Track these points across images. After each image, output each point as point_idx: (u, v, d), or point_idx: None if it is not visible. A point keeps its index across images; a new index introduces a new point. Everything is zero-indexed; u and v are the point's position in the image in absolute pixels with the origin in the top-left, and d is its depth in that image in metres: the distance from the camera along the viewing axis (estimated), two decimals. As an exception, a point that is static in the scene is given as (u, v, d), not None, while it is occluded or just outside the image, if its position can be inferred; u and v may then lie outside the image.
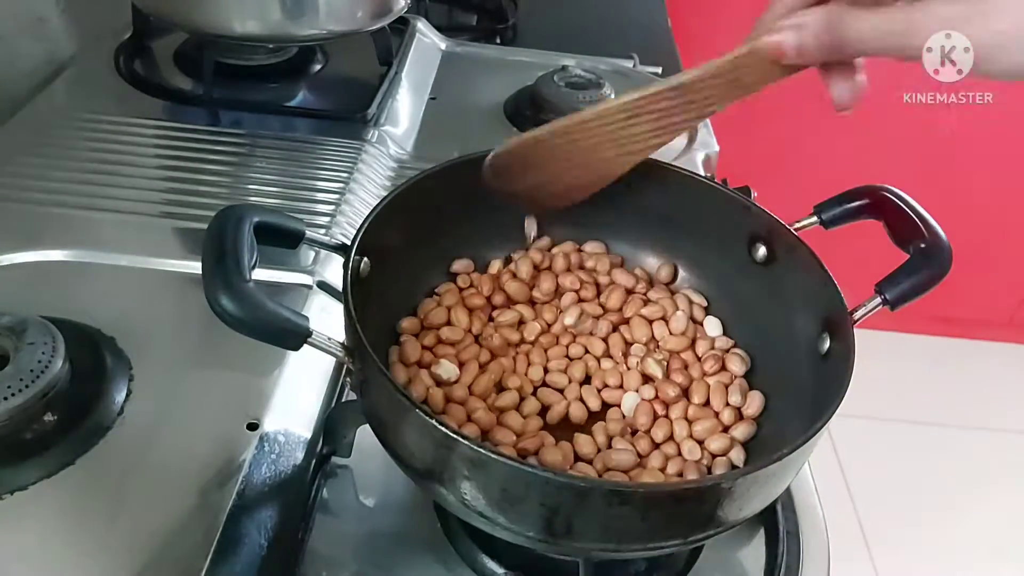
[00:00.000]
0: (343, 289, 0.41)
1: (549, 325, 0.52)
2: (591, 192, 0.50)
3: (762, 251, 0.50)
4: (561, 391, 0.49)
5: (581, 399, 0.49)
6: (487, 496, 0.37)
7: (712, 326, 0.52)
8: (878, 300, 0.44)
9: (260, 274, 0.39)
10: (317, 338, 0.39)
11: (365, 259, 0.45)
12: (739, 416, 0.48)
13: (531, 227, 0.55)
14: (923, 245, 0.45)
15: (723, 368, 0.50)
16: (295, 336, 0.38)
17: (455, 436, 0.35)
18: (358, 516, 0.48)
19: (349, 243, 0.44)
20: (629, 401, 0.49)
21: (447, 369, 0.47)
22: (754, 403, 0.48)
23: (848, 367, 0.40)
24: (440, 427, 0.36)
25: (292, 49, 0.86)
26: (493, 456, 0.35)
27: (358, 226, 0.45)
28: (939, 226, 0.46)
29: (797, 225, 0.49)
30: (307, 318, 0.38)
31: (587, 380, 0.50)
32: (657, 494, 0.37)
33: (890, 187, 0.49)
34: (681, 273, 0.55)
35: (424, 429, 0.37)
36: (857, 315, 0.44)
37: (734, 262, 0.51)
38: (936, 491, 1.59)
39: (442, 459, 0.37)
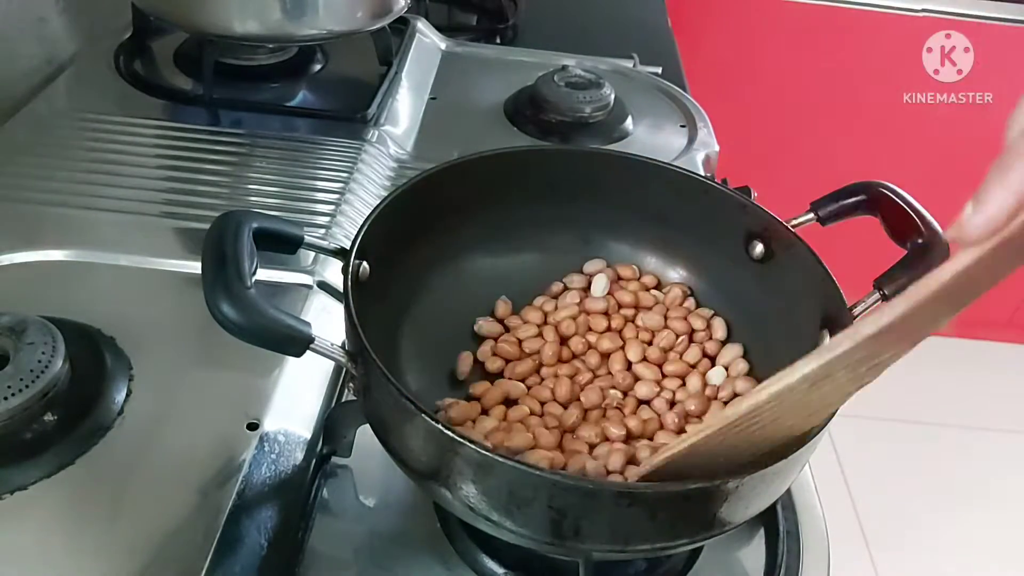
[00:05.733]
0: (344, 294, 0.41)
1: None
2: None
3: (759, 248, 0.50)
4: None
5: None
6: (494, 500, 0.37)
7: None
8: (876, 296, 0.44)
9: (260, 274, 0.39)
10: (319, 344, 0.39)
11: (364, 263, 0.45)
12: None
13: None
14: (920, 240, 0.45)
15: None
16: (297, 343, 0.38)
17: (461, 440, 0.35)
18: (358, 516, 0.48)
19: (348, 247, 0.44)
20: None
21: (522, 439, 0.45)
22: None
23: None
24: (446, 431, 0.35)
25: (292, 49, 0.86)
26: (499, 459, 0.35)
27: (357, 229, 0.45)
28: (935, 221, 0.46)
29: (794, 222, 0.49)
30: (309, 324, 0.38)
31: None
32: (666, 494, 0.37)
33: (886, 183, 0.49)
34: (680, 271, 0.55)
35: (429, 433, 0.36)
36: (856, 311, 0.44)
37: (732, 260, 0.51)
38: (936, 491, 1.59)
39: (447, 463, 0.37)
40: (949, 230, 0.30)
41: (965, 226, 0.30)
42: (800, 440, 0.37)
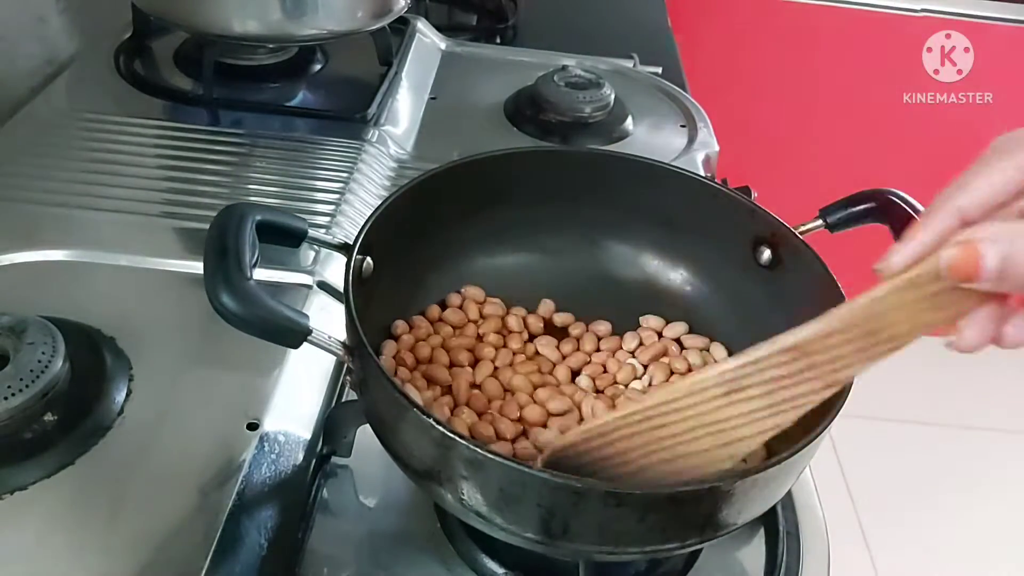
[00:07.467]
0: (344, 288, 0.41)
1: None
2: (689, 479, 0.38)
3: (767, 254, 0.50)
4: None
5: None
6: (485, 496, 0.37)
7: None
8: None
9: (260, 274, 0.40)
10: (317, 336, 0.39)
11: (368, 259, 0.45)
12: None
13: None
14: None
15: None
16: (295, 334, 0.38)
17: (453, 436, 0.35)
18: (358, 516, 0.48)
19: (351, 242, 0.44)
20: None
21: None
22: None
23: None
24: (438, 427, 0.36)
25: (292, 49, 0.86)
26: (491, 456, 0.35)
27: (360, 225, 0.45)
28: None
29: (802, 228, 0.49)
30: (307, 316, 0.39)
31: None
32: (654, 497, 0.37)
33: (896, 191, 0.48)
34: (683, 274, 0.55)
35: (422, 429, 0.37)
36: None
37: (737, 264, 0.51)
38: (936, 491, 1.59)
39: (440, 459, 0.37)
40: (876, 264, 0.32)
41: (888, 258, 0.31)
42: (705, 469, 0.36)
